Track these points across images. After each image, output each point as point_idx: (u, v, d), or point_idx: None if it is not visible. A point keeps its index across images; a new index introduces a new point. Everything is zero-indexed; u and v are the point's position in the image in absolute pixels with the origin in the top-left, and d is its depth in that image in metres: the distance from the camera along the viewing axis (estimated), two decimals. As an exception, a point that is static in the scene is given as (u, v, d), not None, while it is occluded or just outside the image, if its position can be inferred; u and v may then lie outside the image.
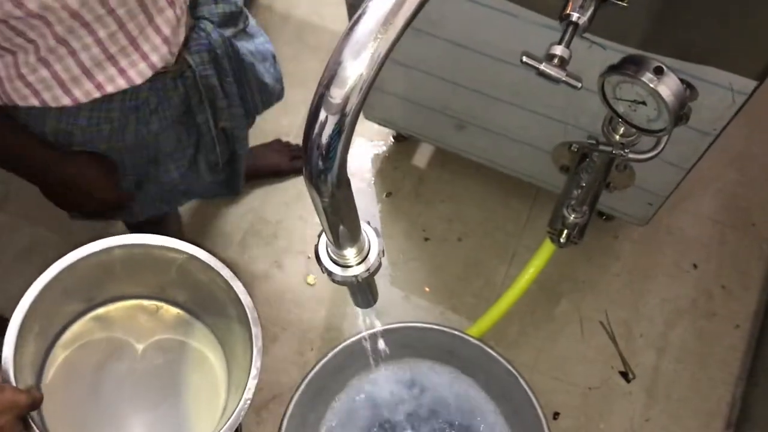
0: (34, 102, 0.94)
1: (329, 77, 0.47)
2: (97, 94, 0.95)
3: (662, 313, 1.63)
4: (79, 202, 1.10)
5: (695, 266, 1.67)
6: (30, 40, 0.86)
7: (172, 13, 0.96)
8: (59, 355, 1.08)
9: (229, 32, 1.11)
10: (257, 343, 1.00)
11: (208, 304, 1.13)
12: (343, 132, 0.48)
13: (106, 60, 0.93)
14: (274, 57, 1.26)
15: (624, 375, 1.58)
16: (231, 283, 1.03)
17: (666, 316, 1.63)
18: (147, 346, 1.13)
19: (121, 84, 0.96)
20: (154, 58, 0.97)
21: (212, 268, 1.03)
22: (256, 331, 1.01)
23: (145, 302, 1.15)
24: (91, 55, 0.92)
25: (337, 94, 0.47)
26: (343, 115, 0.47)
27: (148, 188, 1.18)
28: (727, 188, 1.74)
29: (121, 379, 1.10)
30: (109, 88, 0.96)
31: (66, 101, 0.94)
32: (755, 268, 1.67)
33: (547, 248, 1.38)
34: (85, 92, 0.95)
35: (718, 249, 1.69)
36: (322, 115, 0.48)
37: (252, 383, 0.98)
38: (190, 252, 1.04)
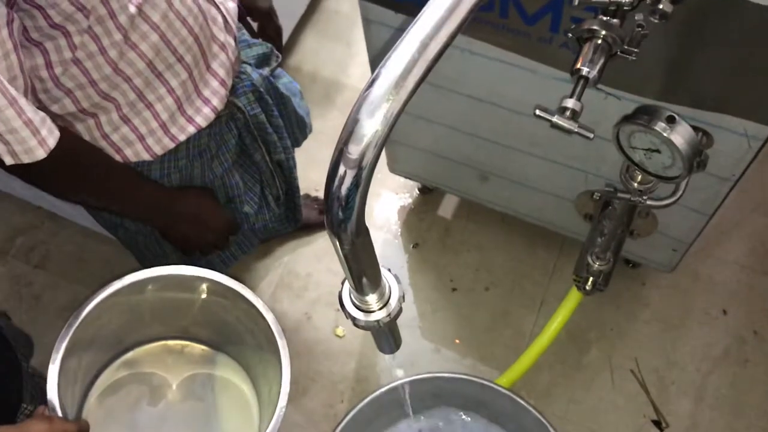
0: (118, 159, 0.99)
1: (347, 135, 0.51)
2: (171, 146, 1.02)
3: (694, 360, 1.62)
4: (201, 235, 1.12)
5: (725, 312, 1.66)
6: (112, 99, 0.93)
7: (225, 57, 1.03)
8: (94, 401, 1.12)
9: (266, 72, 1.18)
10: (284, 353, 1.03)
11: (229, 336, 1.17)
12: (361, 184, 0.51)
13: (178, 110, 0.99)
14: (300, 93, 1.34)
15: (657, 424, 1.56)
16: (253, 302, 1.07)
17: (698, 363, 1.62)
18: (177, 383, 1.16)
19: (191, 131, 1.02)
20: (215, 102, 1.03)
21: (234, 292, 1.07)
22: (282, 342, 1.04)
23: (170, 342, 1.19)
24: (165, 105, 0.98)
25: (354, 150, 0.51)
26: (360, 168, 0.51)
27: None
28: (754, 233, 1.74)
29: (156, 417, 1.13)
30: (181, 137, 1.02)
31: (146, 156, 1.00)
32: (787, 313, 1.65)
33: (574, 296, 1.39)
34: (163, 147, 1.01)
35: (747, 294, 1.67)
36: (341, 169, 0.52)
37: (285, 390, 1.01)
38: (211, 277, 1.08)
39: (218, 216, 1.13)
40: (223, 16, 1.02)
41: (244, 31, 1.19)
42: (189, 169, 1.07)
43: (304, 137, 1.35)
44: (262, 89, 1.13)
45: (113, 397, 1.14)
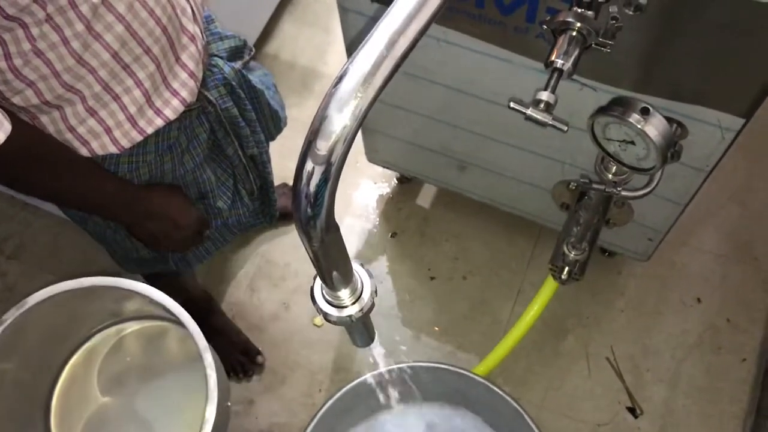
0: (84, 152, 0.97)
1: (315, 131, 0.51)
2: (139, 138, 0.99)
3: (668, 348, 1.64)
4: (167, 234, 1.11)
5: (699, 300, 1.68)
6: (76, 92, 0.91)
7: (194, 48, 1.01)
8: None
9: (238, 65, 1.16)
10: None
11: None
12: (329, 180, 0.51)
13: (146, 103, 0.98)
14: (275, 87, 1.32)
15: (632, 411, 1.58)
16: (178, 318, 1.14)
17: (672, 351, 1.63)
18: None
19: (159, 123, 1.00)
20: (184, 94, 1.01)
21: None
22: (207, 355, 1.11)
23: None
24: (133, 98, 0.96)
25: (322, 146, 0.50)
26: (329, 164, 0.51)
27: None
28: (729, 223, 1.76)
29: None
30: (149, 130, 1.00)
31: (113, 149, 0.98)
32: (759, 301, 1.67)
33: (550, 285, 1.40)
34: (130, 139, 0.99)
35: (721, 283, 1.69)
36: (309, 165, 0.51)
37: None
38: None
39: (187, 215, 1.11)
40: (193, 8, 1.01)
41: (217, 23, 1.17)
42: (159, 163, 1.06)
43: (279, 131, 1.34)
44: (234, 82, 1.12)
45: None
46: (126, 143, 0.99)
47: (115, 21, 0.87)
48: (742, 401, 1.58)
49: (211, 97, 1.08)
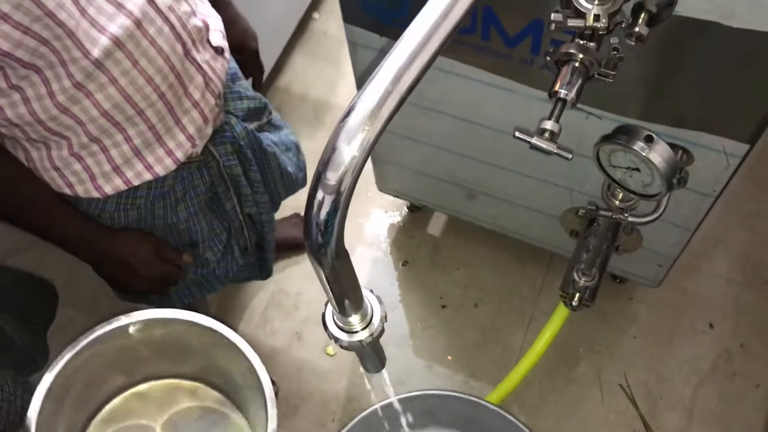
0: (67, 191, 0.99)
1: (325, 162, 0.53)
2: (124, 188, 1.00)
3: (682, 374, 1.63)
4: (129, 281, 1.10)
5: (712, 326, 1.68)
6: (64, 137, 0.93)
7: (197, 114, 1.02)
8: (98, 428, 1.13)
9: (253, 125, 1.17)
10: (272, 425, 1.03)
11: (235, 389, 1.16)
12: (339, 209, 0.53)
13: (135, 156, 0.99)
14: (297, 147, 1.33)
15: (646, 438, 1.57)
16: (252, 363, 1.06)
17: (686, 377, 1.63)
18: (174, 422, 1.16)
19: (147, 177, 1.01)
20: (179, 154, 1.02)
21: (238, 351, 1.07)
22: (272, 412, 1.03)
23: (184, 382, 1.19)
24: (121, 152, 0.97)
25: (332, 177, 0.53)
26: (338, 194, 0.53)
27: (186, 273, 1.20)
28: (739, 248, 1.76)
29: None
30: (136, 182, 1.01)
31: (95, 194, 0.99)
32: (773, 326, 1.67)
33: (562, 312, 1.40)
34: (114, 187, 1.00)
35: (733, 308, 1.69)
36: (320, 195, 0.53)
37: None
38: (214, 328, 1.07)
39: (149, 267, 1.09)
40: (205, 76, 1.01)
41: (242, 82, 1.18)
42: (149, 208, 1.06)
43: (291, 193, 1.34)
44: (242, 142, 1.12)
45: (118, 425, 1.15)
46: (109, 190, 1.00)
47: (108, 83, 0.89)
48: (757, 428, 1.56)
49: (215, 153, 1.09)
